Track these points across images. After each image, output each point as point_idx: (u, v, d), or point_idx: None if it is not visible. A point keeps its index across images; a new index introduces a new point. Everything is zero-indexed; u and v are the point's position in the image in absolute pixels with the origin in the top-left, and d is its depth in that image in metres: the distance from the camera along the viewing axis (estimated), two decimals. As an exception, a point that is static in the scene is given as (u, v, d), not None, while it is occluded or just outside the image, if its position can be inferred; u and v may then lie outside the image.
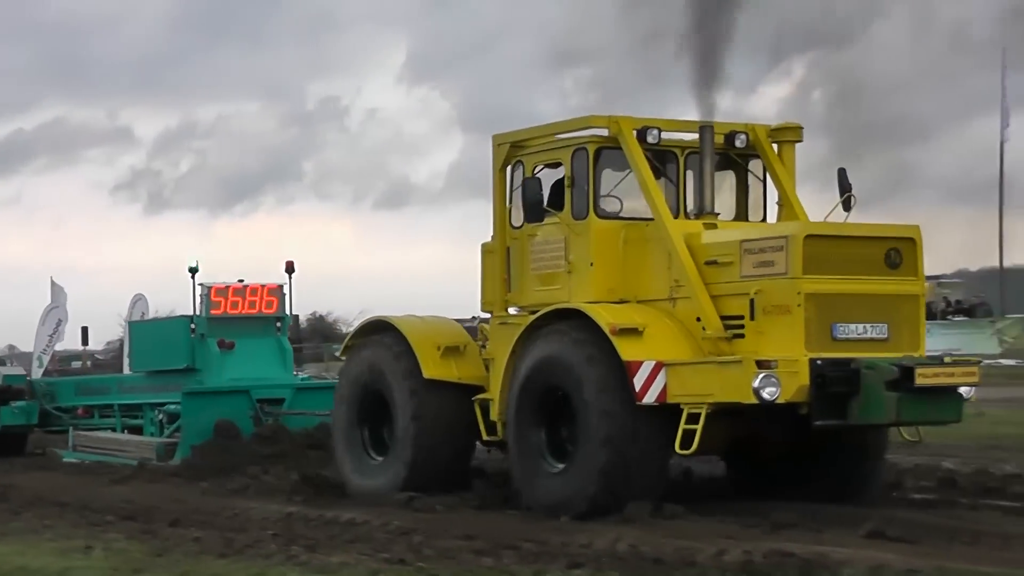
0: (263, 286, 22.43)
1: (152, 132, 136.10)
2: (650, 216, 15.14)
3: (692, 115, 15.53)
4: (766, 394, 13.26)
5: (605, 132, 15.24)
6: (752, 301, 13.74)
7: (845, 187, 15.50)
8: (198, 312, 22.11)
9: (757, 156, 15.86)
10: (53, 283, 34.20)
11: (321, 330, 67.24)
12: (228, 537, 14.02)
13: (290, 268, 22.62)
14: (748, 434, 14.62)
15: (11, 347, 55.22)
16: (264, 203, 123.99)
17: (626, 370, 13.97)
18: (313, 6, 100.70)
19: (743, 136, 15.59)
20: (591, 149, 15.22)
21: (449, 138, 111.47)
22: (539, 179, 15.50)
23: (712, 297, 14.26)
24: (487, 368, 16.25)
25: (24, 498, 17.99)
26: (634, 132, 15.11)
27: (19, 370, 26.96)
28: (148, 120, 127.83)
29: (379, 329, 17.30)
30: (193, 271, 22.12)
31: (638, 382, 13.93)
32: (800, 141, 15.92)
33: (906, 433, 14.79)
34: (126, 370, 28.63)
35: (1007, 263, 61.17)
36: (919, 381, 13.17)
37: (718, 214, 15.38)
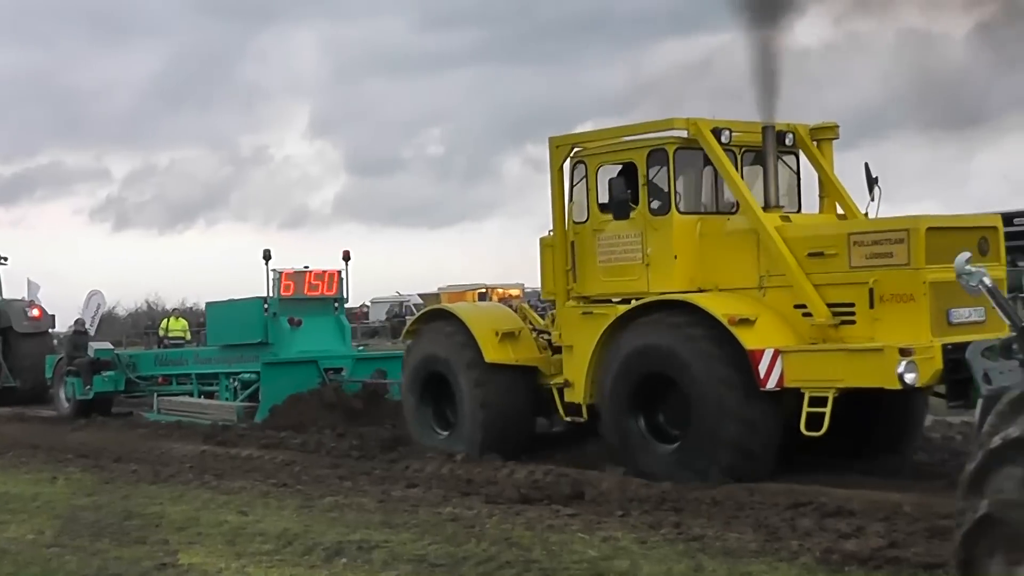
0: (325, 272, 24.37)
1: (123, 171, 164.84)
2: (721, 211, 15.87)
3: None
4: (908, 379, 13.46)
5: (683, 133, 15.71)
6: (871, 290, 14.22)
7: (871, 178, 16.26)
8: (270, 294, 23.86)
9: (796, 152, 16.65)
10: (29, 281, 37.50)
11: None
12: (157, 469, 17.77)
13: (346, 256, 24.45)
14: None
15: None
16: (197, 224, 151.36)
17: (749, 358, 14.37)
18: (245, 81, 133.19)
19: (790, 135, 16.36)
20: (670, 149, 15.68)
21: (336, 177, 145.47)
22: (623, 179, 15.89)
23: (815, 286, 14.73)
24: (544, 350, 17.02)
25: (5, 443, 22.08)
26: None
27: (107, 345, 29.47)
28: (121, 162, 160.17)
29: (438, 316, 17.70)
30: (267, 257, 23.63)
31: (761, 369, 14.34)
32: (837, 138, 16.81)
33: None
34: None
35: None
36: None
37: (783, 207, 16.07)
